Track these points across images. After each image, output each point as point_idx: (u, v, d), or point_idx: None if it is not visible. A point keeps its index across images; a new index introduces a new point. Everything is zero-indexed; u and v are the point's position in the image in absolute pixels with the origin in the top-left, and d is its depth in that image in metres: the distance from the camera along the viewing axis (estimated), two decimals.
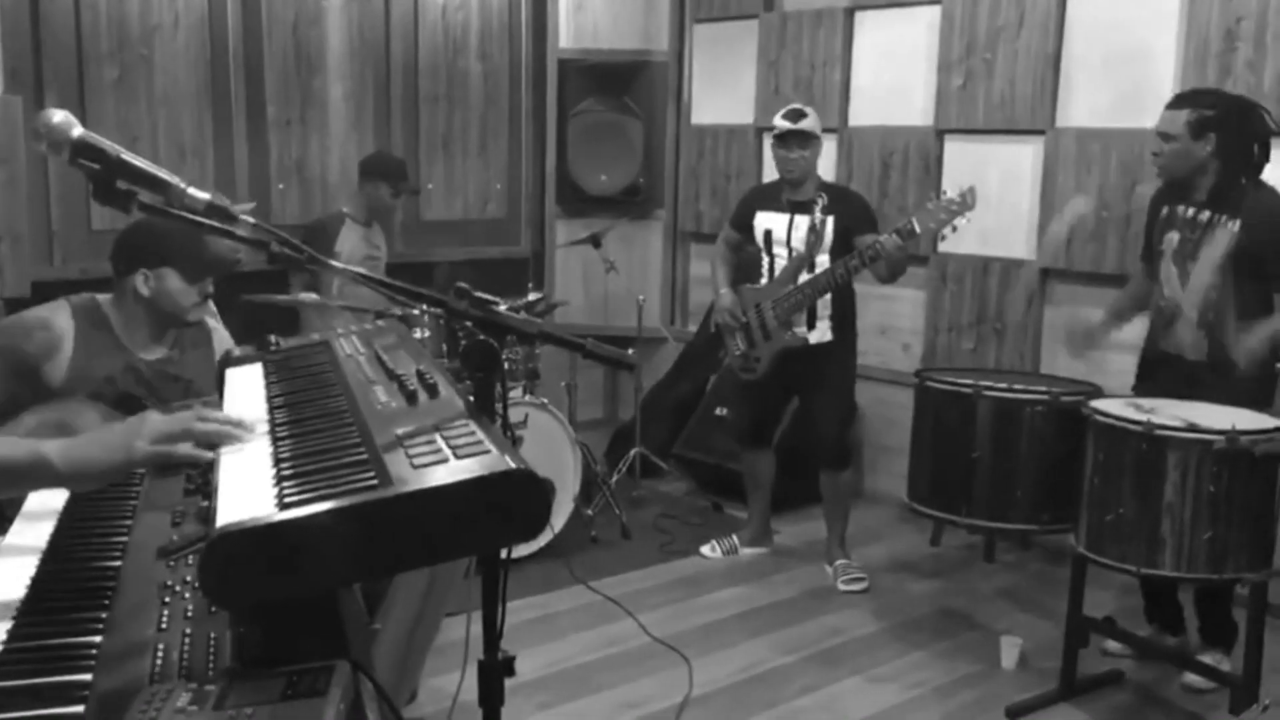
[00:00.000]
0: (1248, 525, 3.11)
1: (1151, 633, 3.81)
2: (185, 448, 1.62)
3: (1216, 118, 3.43)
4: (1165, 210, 3.64)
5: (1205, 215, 3.50)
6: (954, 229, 4.06)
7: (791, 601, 4.34)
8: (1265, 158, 3.49)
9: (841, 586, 4.44)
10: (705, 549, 4.79)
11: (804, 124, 4.31)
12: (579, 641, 3.91)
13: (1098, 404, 3.34)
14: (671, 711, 3.42)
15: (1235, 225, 3.42)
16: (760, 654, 3.87)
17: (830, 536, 4.63)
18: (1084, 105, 4.63)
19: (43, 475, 1.63)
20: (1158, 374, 3.70)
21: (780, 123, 4.36)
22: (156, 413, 1.70)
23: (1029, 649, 3.80)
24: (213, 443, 1.62)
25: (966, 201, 4.03)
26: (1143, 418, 3.16)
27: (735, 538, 4.83)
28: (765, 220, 4.48)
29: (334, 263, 1.86)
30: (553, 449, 4.54)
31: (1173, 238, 3.61)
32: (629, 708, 3.47)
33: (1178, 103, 3.52)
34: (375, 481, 1.34)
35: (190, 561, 1.60)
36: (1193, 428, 3.10)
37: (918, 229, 4.05)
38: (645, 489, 5.44)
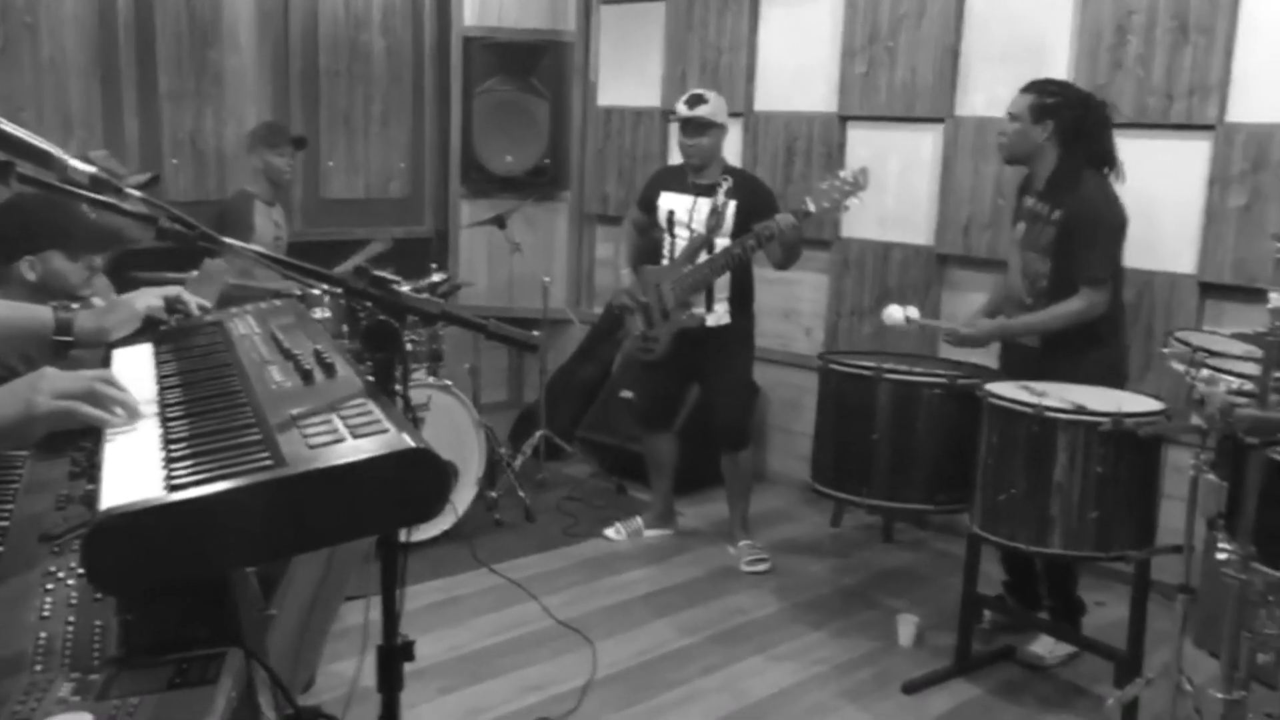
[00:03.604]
0: (1133, 505, 3.22)
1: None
2: (88, 408, 1.56)
3: (1056, 105, 3.63)
4: (1020, 200, 3.80)
5: (1042, 207, 3.66)
6: (847, 208, 4.14)
7: (694, 582, 4.37)
8: (1104, 150, 3.65)
9: (744, 568, 4.49)
10: (609, 531, 4.80)
11: (701, 110, 4.33)
12: (482, 625, 3.89)
13: (992, 387, 3.42)
14: (575, 694, 3.43)
15: (1058, 215, 3.59)
16: (664, 635, 3.89)
17: (732, 517, 4.67)
18: (983, 95, 4.73)
19: None
20: (1010, 360, 3.87)
21: (680, 109, 4.39)
22: (54, 369, 1.64)
23: (925, 626, 3.89)
24: (114, 408, 1.57)
25: (859, 182, 4.10)
26: (1034, 400, 3.25)
27: (639, 520, 4.85)
28: (669, 201, 4.50)
29: (232, 241, 1.81)
30: (456, 431, 4.50)
31: (1020, 228, 3.77)
32: (532, 690, 3.46)
33: (1026, 88, 3.71)
34: (269, 462, 1.31)
35: (75, 546, 1.55)
36: (1080, 410, 3.20)
37: (812, 208, 4.11)
38: (549, 471, 5.43)
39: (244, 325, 2.06)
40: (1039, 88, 3.68)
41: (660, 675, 3.61)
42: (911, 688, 3.54)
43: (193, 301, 2.15)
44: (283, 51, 5.69)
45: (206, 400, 1.64)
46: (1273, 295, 2.41)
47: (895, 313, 3.85)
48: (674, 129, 4.65)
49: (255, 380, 1.67)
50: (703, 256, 4.38)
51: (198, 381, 1.76)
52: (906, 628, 3.86)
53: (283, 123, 5.36)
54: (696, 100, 4.38)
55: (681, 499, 4.99)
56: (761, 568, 4.49)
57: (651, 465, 4.85)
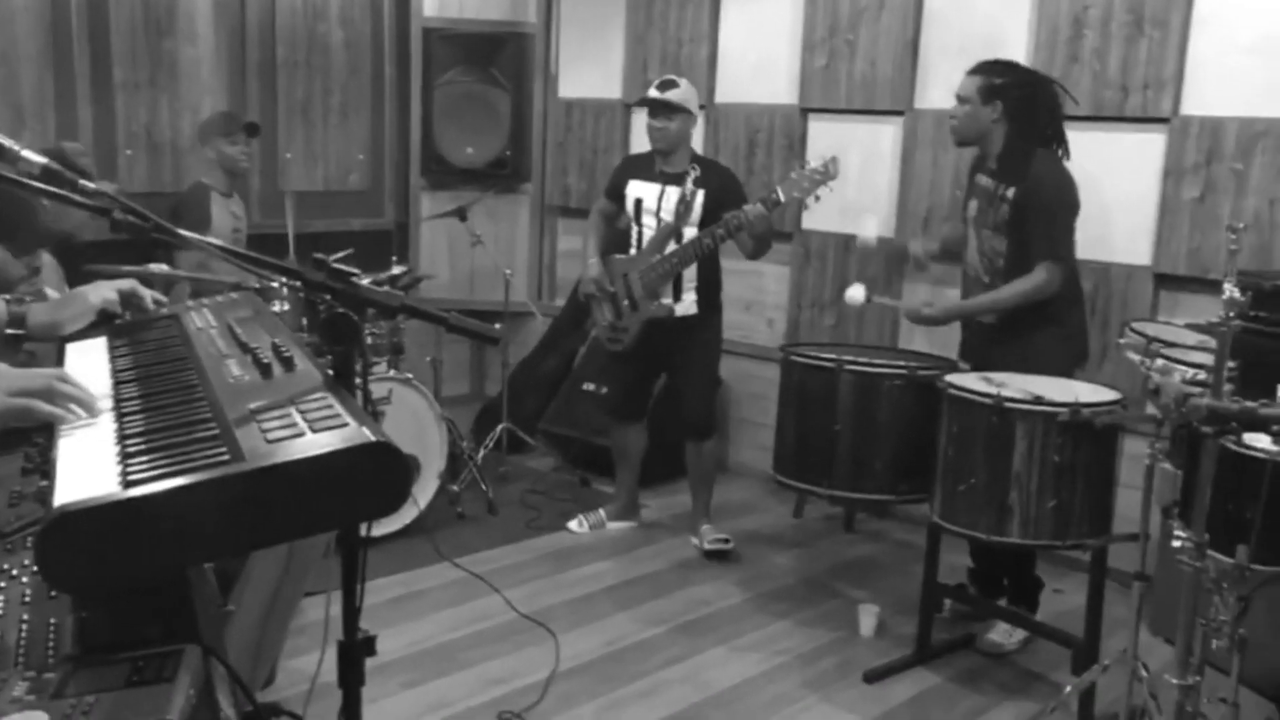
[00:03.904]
0: (1089, 493, 3.26)
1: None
2: (45, 405, 1.54)
3: (1005, 85, 3.67)
4: (972, 178, 3.84)
5: (995, 185, 3.70)
6: (817, 198, 4.14)
7: (658, 574, 4.38)
8: (1055, 129, 3.71)
9: (707, 546, 4.49)
10: (572, 524, 4.79)
11: (671, 94, 4.34)
12: (444, 619, 3.88)
13: (952, 378, 3.45)
14: (538, 687, 3.42)
15: (1012, 192, 3.63)
16: (627, 627, 3.90)
17: (695, 507, 4.68)
18: (942, 88, 4.75)
19: None
20: (968, 337, 3.92)
21: (651, 92, 4.38)
22: (6, 366, 1.62)
23: (886, 616, 3.92)
24: (71, 405, 1.55)
25: (829, 171, 4.10)
26: (993, 391, 3.28)
27: (602, 512, 4.85)
28: (637, 190, 4.49)
29: (188, 234, 1.78)
30: (418, 425, 4.48)
31: (973, 206, 3.81)
32: (495, 684, 3.46)
33: (975, 70, 3.75)
34: (227, 457, 1.30)
35: (29, 544, 1.53)
36: (1038, 401, 3.23)
37: (782, 198, 4.11)
38: (512, 464, 5.42)
39: (201, 319, 2.04)
40: (987, 69, 3.72)
41: (624, 667, 3.61)
42: (873, 676, 3.57)
43: (148, 295, 2.12)
44: (239, 42, 5.62)
45: (162, 395, 1.62)
46: (1226, 286, 2.44)
47: (857, 292, 3.88)
48: (640, 115, 4.64)
49: (212, 374, 1.65)
50: (671, 246, 4.37)
51: (154, 376, 1.74)
52: (868, 617, 3.89)
53: (236, 112, 5.30)
54: (668, 84, 4.38)
55: (644, 491, 4.99)
56: (723, 546, 4.49)
57: (618, 456, 4.85)
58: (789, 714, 3.37)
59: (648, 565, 4.46)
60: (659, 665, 3.63)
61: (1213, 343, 2.48)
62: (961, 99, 3.73)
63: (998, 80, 3.67)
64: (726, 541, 4.53)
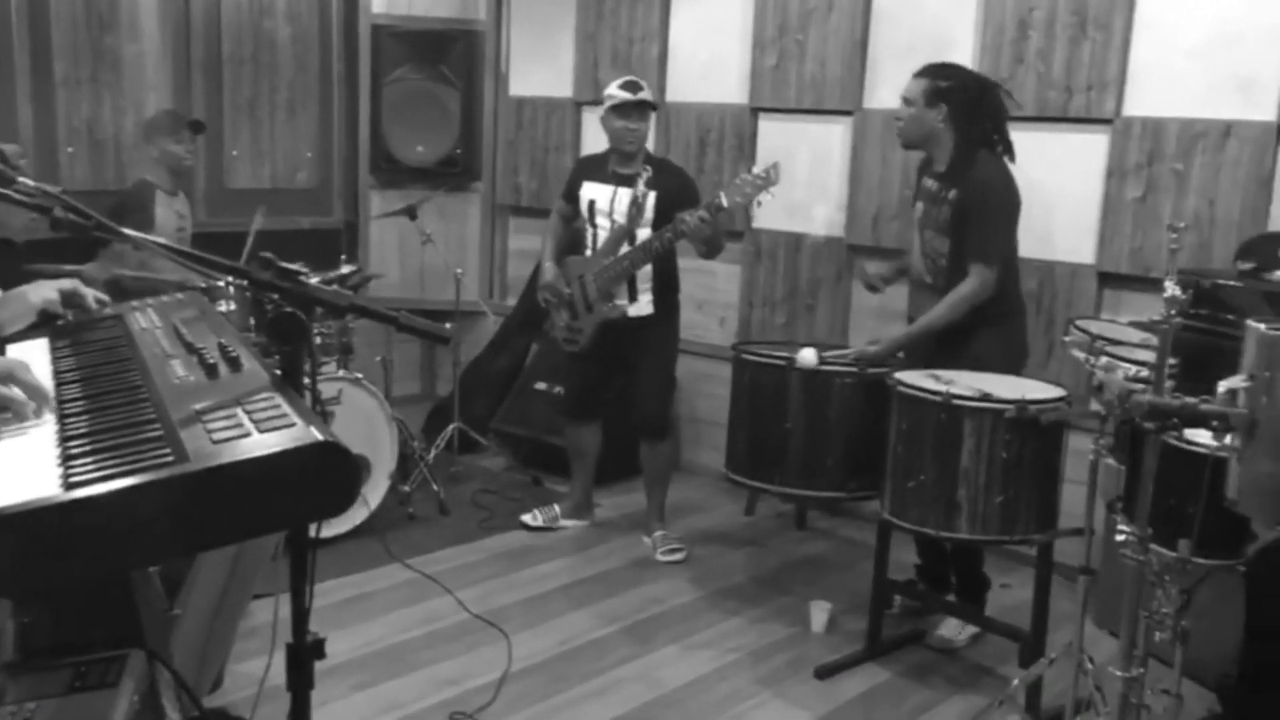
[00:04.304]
0: (1036, 489, 3.31)
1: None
2: (10, 389, 1.52)
3: (949, 89, 3.69)
4: (919, 181, 3.87)
5: (939, 187, 3.73)
6: (759, 203, 4.15)
7: (611, 573, 4.38)
8: (999, 133, 3.74)
9: (660, 558, 4.51)
10: (526, 517, 4.78)
11: (644, 95, 4.36)
12: (396, 620, 3.85)
13: (901, 376, 3.48)
14: (491, 687, 3.41)
15: (954, 194, 3.67)
16: (580, 626, 3.89)
17: (650, 507, 4.69)
18: (891, 88, 4.78)
19: None
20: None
21: (619, 93, 4.37)
22: None
23: (838, 612, 3.95)
24: (35, 396, 1.53)
25: (770, 177, 4.11)
26: (942, 389, 3.31)
27: (556, 507, 4.84)
28: (590, 191, 4.49)
29: (131, 232, 1.76)
30: (368, 425, 4.44)
31: (919, 208, 3.85)
32: (448, 685, 3.44)
33: (921, 73, 3.77)
34: (171, 458, 1.28)
35: None
36: (986, 398, 3.27)
37: (725, 204, 4.12)
38: (464, 464, 5.39)
39: (145, 319, 2.01)
40: (933, 72, 3.74)
41: (577, 666, 3.61)
42: (824, 673, 3.59)
43: (90, 295, 2.09)
44: (184, 38, 5.55)
45: (106, 396, 1.60)
46: (1167, 284, 2.49)
47: (809, 356, 3.83)
48: (593, 118, 4.64)
49: (157, 375, 1.63)
50: (625, 248, 4.38)
51: (97, 377, 1.71)
52: (819, 614, 3.91)
53: (180, 110, 5.23)
54: (636, 85, 4.39)
55: (598, 490, 4.99)
56: (677, 558, 4.51)
57: (573, 455, 4.84)
58: (741, 711, 3.39)
59: (600, 564, 4.46)
60: (612, 664, 3.63)
61: (1154, 340, 2.52)
62: (907, 101, 3.74)
63: (943, 83, 3.69)
64: (679, 550, 4.54)
